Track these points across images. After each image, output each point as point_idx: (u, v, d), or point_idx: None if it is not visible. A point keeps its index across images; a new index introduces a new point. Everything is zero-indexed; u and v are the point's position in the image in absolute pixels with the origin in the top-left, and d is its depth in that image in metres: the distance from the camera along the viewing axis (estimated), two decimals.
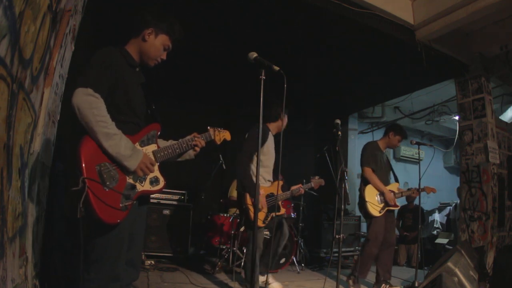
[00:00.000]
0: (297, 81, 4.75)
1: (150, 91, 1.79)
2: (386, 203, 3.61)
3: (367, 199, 3.54)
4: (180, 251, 4.59)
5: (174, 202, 4.78)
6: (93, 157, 1.44)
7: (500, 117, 5.07)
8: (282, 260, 4.35)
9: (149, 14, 1.72)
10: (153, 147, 1.70)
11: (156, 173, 1.68)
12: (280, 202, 3.18)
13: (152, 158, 1.66)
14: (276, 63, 1.86)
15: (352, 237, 5.45)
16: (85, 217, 1.48)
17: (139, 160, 1.54)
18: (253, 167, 3.00)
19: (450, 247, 5.26)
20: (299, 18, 3.65)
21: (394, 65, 4.62)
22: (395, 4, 3.75)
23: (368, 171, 3.63)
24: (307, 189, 3.50)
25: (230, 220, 4.35)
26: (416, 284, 3.45)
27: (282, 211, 3.25)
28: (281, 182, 3.28)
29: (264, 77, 1.84)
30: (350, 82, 5.37)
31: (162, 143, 1.79)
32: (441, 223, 7.31)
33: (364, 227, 4.82)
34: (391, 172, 3.93)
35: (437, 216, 7.45)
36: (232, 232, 4.15)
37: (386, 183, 3.75)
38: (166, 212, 4.63)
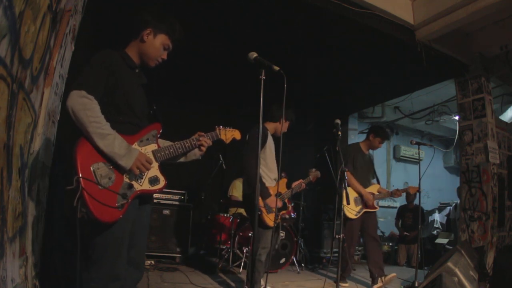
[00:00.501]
0: (297, 81, 4.75)
1: (151, 91, 1.79)
2: (363, 205, 3.70)
3: (344, 202, 3.60)
4: (180, 251, 4.59)
5: (174, 202, 4.78)
6: (89, 157, 1.45)
7: (500, 117, 5.07)
8: (282, 260, 4.35)
9: (148, 15, 1.72)
10: (152, 146, 1.69)
11: (156, 172, 1.67)
12: (286, 200, 3.18)
13: (151, 157, 1.66)
14: (276, 63, 1.86)
15: None
16: (84, 217, 1.49)
17: (133, 158, 1.54)
18: (262, 168, 2.99)
19: (450, 247, 5.26)
20: (299, 18, 3.65)
21: (394, 65, 4.62)
22: (395, 4, 3.75)
23: (347, 174, 3.68)
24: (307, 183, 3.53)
25: (230, 220, 4.35)
26: (416, 284, 3.46)
27: (289, 208, 3.26)
28: (285, 180, 3.28)
29: (264, 77, 1.83)
30: (350, 82, 5.37)
31: (165, 144, 1.78)
32: (441, 223, 7.31)
33: None
34: (373, 172, 4.01)
35: (437, 216, 7.45)
36: (232, 232, 4.15)
37: (366, 184, 3.84)
38: (166, 212, 4.63)
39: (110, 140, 1.47)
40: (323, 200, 5.99)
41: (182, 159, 1.90)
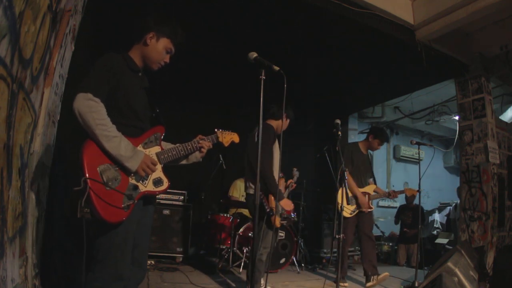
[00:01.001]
0: (297, 81, 4.75)
1: (154, 94, 1.82)
2: (358, 205, 3.73)
3: (338, 200, 3.61)
4: (180, 251, 4.59)
5: (174, 202, 4.78)
6: (96, 159, 1.48)
7: (500, 117, 5.07)
8: (282, 260, 4.36)
9: (151, 19, 1.75)
10: (156, 149, 1.73)
11: (160, 174, 1.71)
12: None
13: (155, 159, 1.69)
14: (276, 63, 1.86)
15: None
16: (85, 217, 1.50)
17: (139, 160, 1.57)
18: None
19: (450, 247, 5.26)
20: (299, 18, 3.65)
21: (394, 65, 4.62)
22: (395, 4, 3.75)
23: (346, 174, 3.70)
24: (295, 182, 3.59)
25: (230, 220, 4.35)
26: (416, 284, 3.46)
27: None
28: (283, 180, 3.29)
29: (264, 77, 1.84)
30: (350, 82, 5.37)
31: (167, 146, 1.82)
32: (441, 223, 7.32)
33: None
34: (371, 172, 4.03)
35: (437, 216, 7.45)
36: (232, 232, 4.15)
37: (363, 184, 3.86)
38: (166, 212, 4.64)
39: (116, 142, 1.50)
40: (323, 200, 5.99)
41: (184, 162, 1.93)
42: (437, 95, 6.06)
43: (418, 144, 3.83)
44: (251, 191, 2.97)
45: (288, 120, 3.19)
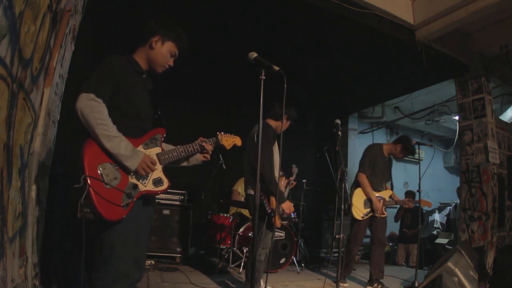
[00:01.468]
0: (297, 81, 4.75)
1: (156, 96, 1.84)
2: (371, 209, 3.67)
3: (353, 201, 3.61)
4: (180, 251, 4.59)
5: (174, 202, 4.78)
6: (96, 158, 1.51)
7: (500, 117, 5.07)
8: (282, 260, 4.35)
9: (156, 23, 1.79)
10: (157, 149, 1.75)
11: (160, 174, 1.73)
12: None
13: (155, 159, 1.71)
14: (276, 63, 1.86)
15: None
16: (90, 217, 1.51)
17: (139, 160, 1.60)
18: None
19: (450, 247, 5.26)
20: (299, 18, 3.65)
21: (394, 65, 4.62)
22: (395, 4, 3.75)
23: (362, 177, 3.69)
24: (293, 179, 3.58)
25: (230, 220, 4.35)
26: (416, 284, 3.46)
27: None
28: (283, 178, 3.28)
29: (264, 77, 1.84)
30: (350, 82, 5.37)
31: (168, 147, 1.84)
32: (441, 223, 7.31)
33: None
34: (389, 176, 3.94)
35: (437, 216, 7.45)
36: (232, 232, 4.14)
37: (380, 188, 3.78)
38: (166, 212, 4.63)
39: (116, 142, 1.53)
40: (323, 200, 6.00)
41: (184, 163, 1.95)
42: (437, 95, 6.06)
43: (418, 144, 3.81)
44: (251, 192, 2.95)
45: (288, 122, 3.15)
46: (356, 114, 7.14)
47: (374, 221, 3.68)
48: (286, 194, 3.25)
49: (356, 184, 3.75)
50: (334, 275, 4.11)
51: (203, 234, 4.99)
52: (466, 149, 4.42)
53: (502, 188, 4.25)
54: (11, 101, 1.28)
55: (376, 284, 3.54)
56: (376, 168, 3.74)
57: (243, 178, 5.08)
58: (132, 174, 1.60)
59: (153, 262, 4.13)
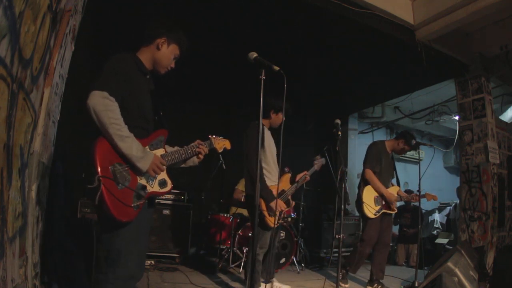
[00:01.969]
0: (297, 81, 4.74)
1: (158, 97, 1.85)
2: (383, 206, 3.64)
3: (364, 200, 3.56)
4: (180, 251, 4.58)
5: (174, 202, 4.78)
6: (107, 157, 1.50)
7: (500, 117, 5.07)
8: (282, 260, 4.35)
9: (162, 25, 1.80)
10: (161, 151, 1.76)
11: (164, 175, 1.74)
12: (289, 196, 3.14)
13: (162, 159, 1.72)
14: (276, 63, 1.86)
15: (352, 237, 5.44)
16: (100, 218, 1.55)
17: (150, 161, 1.60)
18: (263, 166, 2.94)
19: (450, 247, 5.26)
20: (299, 18, 3.65)
21: (394, 65, 4.62)
22: (395, 4, 3.75)
23: (369, 173, 3.64)
24: (311, 174, 3.40)
25: (230, 220, 4.35)
26: (416, 284, 3.46)
27: (293, 204, 3.22)
28: (289, 175, 3.25)
29: (264, 77, 1.84)
30: (350, 82, 5.37)
31: (169, 149, 1.85)
32: (441, 223, 7.31)
33: None
34: (394, 173, 3.92)
35: (437, 216, 7.44)
36: (232, 232, 4.14)
37: (387, 185, 3.74)
38: (166, 212, 4.63)
39: (129, 142, 1.52)
40: (323, 200, 5.99)
41: (182, 165, 1.96)
42: (437, 95, 6.06)
43: (418, 144, 3.81)
44: (250, 192, 2.97)
45: (279, 114, 3.06)
46: (356, 114, 7.14)
47: (381, 221, 3.64)
48: (292, 190, 3.17)
49: (364, 181, 3.67)
50: (334, 275, 4.11)
51: (203, 234, 4.98)
52: (466, 149, 4.42)
53: (502, 188, 4.25)
54: (11, 101, 1.28)
55: (376, 284, 3.55)
56: (382, 165, 3.72)
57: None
58: (141, 175, 1.61)
59: (153, 262, 4.12)
